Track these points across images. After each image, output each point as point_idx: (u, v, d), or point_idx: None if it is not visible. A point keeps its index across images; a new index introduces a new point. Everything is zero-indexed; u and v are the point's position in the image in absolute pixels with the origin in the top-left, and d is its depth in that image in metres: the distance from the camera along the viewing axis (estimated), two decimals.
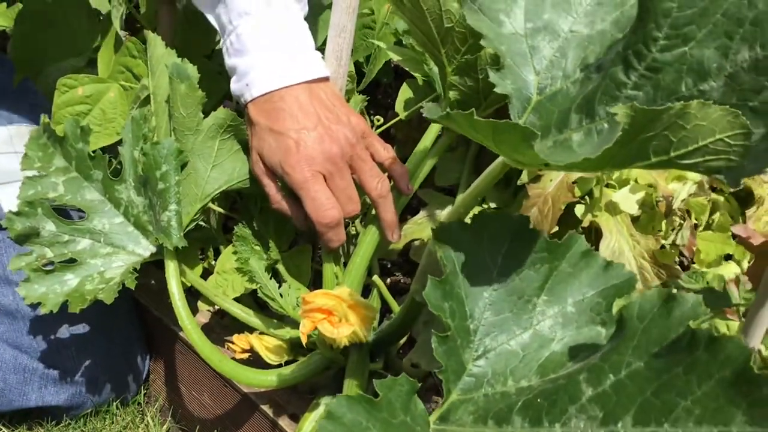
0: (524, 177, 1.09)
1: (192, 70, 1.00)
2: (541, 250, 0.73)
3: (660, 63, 0.63)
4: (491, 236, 0.73)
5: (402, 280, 1.32)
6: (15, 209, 1.01)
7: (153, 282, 1.26)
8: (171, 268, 0.99)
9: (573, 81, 0.72)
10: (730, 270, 1.03)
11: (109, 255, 1.02)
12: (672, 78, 0.63)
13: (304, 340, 0.89)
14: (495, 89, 0.73)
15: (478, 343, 0.71)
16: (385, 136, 1.24)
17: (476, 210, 1.14)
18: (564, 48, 0.74)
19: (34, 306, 1.13)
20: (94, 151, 1.03)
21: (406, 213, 1.20)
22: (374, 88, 1.62)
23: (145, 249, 1.04)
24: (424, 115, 0.62)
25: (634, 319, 0.61)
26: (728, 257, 1.10)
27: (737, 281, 0.80)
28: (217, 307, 1.19)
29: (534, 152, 0.55)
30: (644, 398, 0.58)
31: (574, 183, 1.07)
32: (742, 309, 0.75)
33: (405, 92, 1.27)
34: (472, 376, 0.71)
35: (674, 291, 0.59)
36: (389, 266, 1.33)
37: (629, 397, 0.59)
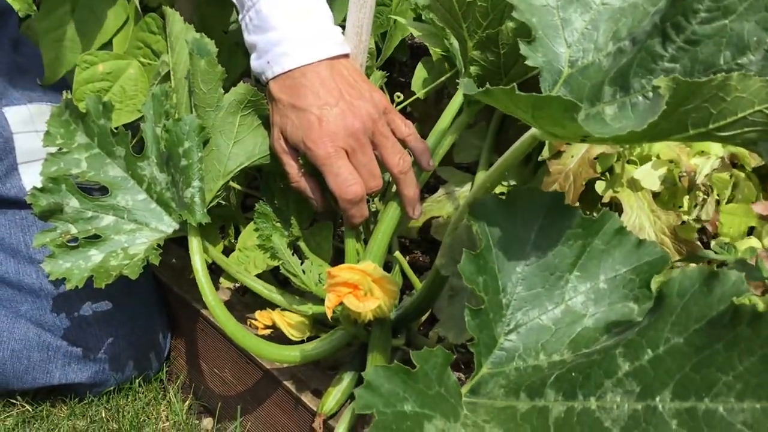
0: (545, 153, 1.09)
1: (212, 45, 0.99)
2: (574, 227, 0.73)
3: (699, 36, 0.63)
4: (525, 212, 0.73)
5: (421, 258, 1.32)
6: (39, 185, 1.01)
7: (174, 260, 1.27)
8: (194, 244, 0.99)
9: (605, 54, 0.72)
10: (753, 244, 1.03)
11: (132, 231, 1.03)
12: (710, 51, 0.63)
13: (329, 315, 0.89)
14: (526, 62, 0.72)
15: (510, 317, 0.72)
16: (402, 114, 1.23)
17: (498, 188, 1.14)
18: (596, 20, 0.73)
19: (57, 284, 1.13)
20: (116, 128, 1.03)
21: (423, 191, 1.20)
22: (390, 67, 1.61)
23: (168, 226, 1.04)
24: (463, 93, 0.62)
25: (673, 296, 0.61)
26: (750, 232, 1.10)
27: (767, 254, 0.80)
28: (237, 285, 1.20)
29: (577, 124, 0.55)
30: (683, 373, 0.58)
31: (595, 159, 1.07)
32: None
33: (421, 70, 1.27)
34: (504, 350, 0.72)
35: (716, 268, 0.59)
36: (408, 244, 1.34)
37: (668, 372, 0.59)
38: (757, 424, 0.52)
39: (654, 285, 0.64)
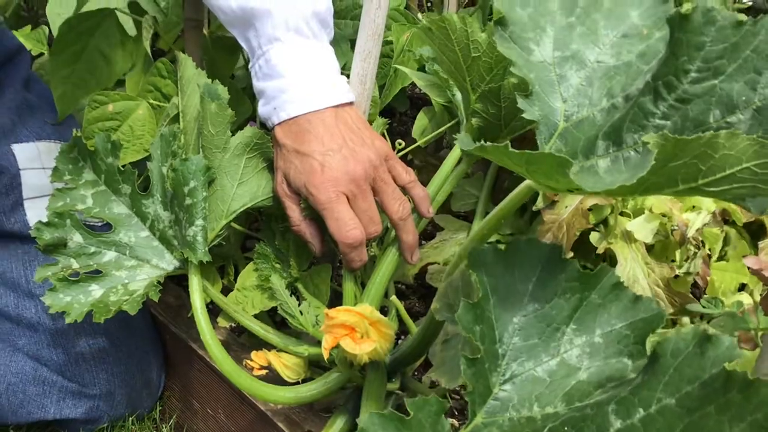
0: (539, 203, 1.12)
1: (222, 90, 1.03)
2: (572, 280, 0.73)
3: (690, 95, 0.66)
4: (524, 263, 0.74)
5: (417, 305, 1.34)
6: (44, 220, 1.03)
7: (171, 299, 1.28)
8: (195, 282, 1.00)
9: (599, 109, 0.75)
10: (744, 299, 1.05)
11: (133, 268, 1.04)
12: (700, 109, 0.65)
13: (326, 356, 0.90)
14: (523, 115, 0.75)
15: (505, 367, 0.72)
16: (402, 161, 1.26)
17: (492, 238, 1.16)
18: (590, 77, 0.76)
19: (56, 319, 1.14)
20: (123, 166, 1.06)
21: (420, 238, 1.22)
22: (390, 117, 1.65)
23: (168, 263, 1.06)
24: (460, 148, 0.65)
25: (667, 356, 0.61)
26: (741, 288, 1.11)
27: (755, 308, 0.81)
28: (234, 325, 1.21)
29: (569, 179, 0.57)
30: None
31: (589, 210, 1.10)
32: (760, 334, 0.77)
33: (422, 119, 1.30)
34: (498, 399, 0.72)
35: (710, 332, 0.60)
36: (404, 290, 1.35)
37: None
38: None
39: (648, 344, 0.65)
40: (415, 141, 1.27)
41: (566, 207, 1.09)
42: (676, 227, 1.08)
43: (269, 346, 1.06)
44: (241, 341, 1.19)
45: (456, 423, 1.09)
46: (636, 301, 0.73)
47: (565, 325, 0.74)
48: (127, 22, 1.23)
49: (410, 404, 0.66)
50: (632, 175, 0.54)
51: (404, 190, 1.04)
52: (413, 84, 1.29)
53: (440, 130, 1.23)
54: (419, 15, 1.45)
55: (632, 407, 0.62)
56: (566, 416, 0.68)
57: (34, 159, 1.20)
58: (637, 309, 0.72)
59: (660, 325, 0.72)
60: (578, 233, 1.07)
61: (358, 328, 0.89)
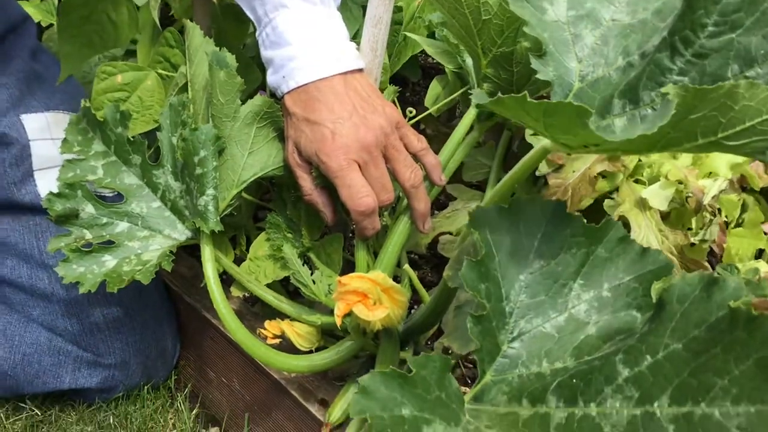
0: (543, 168, 1.10)
1: (231, 58, 1.01)
2: (577, 235, 0.73)
3: (707, 49, 0.65)
4: (528, 220, 0.74)
5: (429, 275, 1.33)
6: (55, 191, 1.03)
7: (185, 269, 1.28)
8: (207, 252, 1.00)
9: (615, 68, 0.73)
10: (761, 266, 1.04)
11: (146, 238, 1.04)
12: (718, 64, 0.64)
13: (338, 323, 0.90)
14: (537, 76, 0.74)
15: (513, 325, 0.72)
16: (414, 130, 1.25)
17: None
18: (606, 36, 0.75)
19: (69, 289, 1.15)
20: (133, 137, 1.05)
21: (433, 208, 1.22)
22: (403, 86, 1.64)
23: (180, 233, 1.06)
24: (474, 103, 0.64)
25: (673, 302, 0.61)
26: (759, 255, 1.10)
27: None
28: (247, 295, 1.21)
29: (589, 130, 0.56)
30: (681, 379, 0.58)
31: (603, 177, 1.08)
32: None
33: (435, 87, 1.29)
34: (507, 357, 0.72)
35: (715, 275, 0.60)
36: (417, 260, 1.35)
37: (666, 377, 0.59)
38: (752, 428, 0.52)
39: (654, 291, 0.65)
40: (427, 111, 1.26)
41: (573, 171, 1.07)
42: (691, 194, 1.07)
43: (282, 315, 1.06)
44: (254, 310, 1.19)
45: (468, 390, 1.09)
46: (643, 253, 0.72)
47: (572, 281, 0.74)
48: None
49: (413, 362, 0.66)
50: (653, 125, 0.52)
51: (416, 157, 1.03)
52: (426, 54, 1.27)
53: (452, 96, 1.22)
54: None
55: (639, 355, 0.62)
56: (575, 370, 0.68)
57: (44, 130, 1.20)
58: (644, 261, 0.72)
59: (668, 275, 0.71)
60: (583, 199, 1.06)
61: (371, 295, 0.89)
